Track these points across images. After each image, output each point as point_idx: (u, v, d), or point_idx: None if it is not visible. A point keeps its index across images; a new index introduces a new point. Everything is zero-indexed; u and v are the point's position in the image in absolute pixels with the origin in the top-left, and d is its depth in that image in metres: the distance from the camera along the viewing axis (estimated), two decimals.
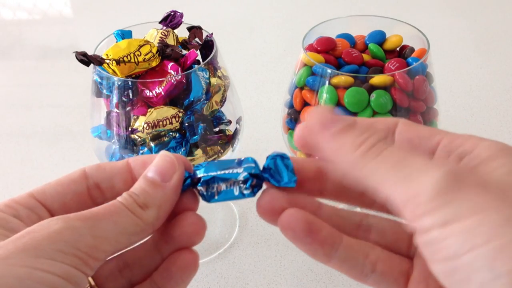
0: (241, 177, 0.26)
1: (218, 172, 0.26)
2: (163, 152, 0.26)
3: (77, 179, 0.26)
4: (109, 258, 0.26)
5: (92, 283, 0.27)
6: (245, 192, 0.26)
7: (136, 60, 0.39)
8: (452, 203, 0.19)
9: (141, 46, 0.40)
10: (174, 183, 0.25)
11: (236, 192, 0.26)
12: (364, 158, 0.23)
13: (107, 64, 0.40)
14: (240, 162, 0.27)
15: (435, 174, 0.20)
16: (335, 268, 0.26)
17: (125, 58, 0.39)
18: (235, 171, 0.26)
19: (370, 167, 0.22)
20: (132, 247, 0.27)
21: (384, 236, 0.27)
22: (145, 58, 0.40)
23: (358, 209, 0.27)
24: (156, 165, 0.26)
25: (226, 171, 0.26)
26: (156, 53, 0.40)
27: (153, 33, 0.44)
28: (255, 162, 0.27)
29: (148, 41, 0.41)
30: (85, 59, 0.40)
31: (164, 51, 0.41)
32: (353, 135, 0.23)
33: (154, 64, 0.41)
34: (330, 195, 0.27)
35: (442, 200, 0.20)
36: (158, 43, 0.43)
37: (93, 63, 0.40)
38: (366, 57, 0.44)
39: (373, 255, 0.26)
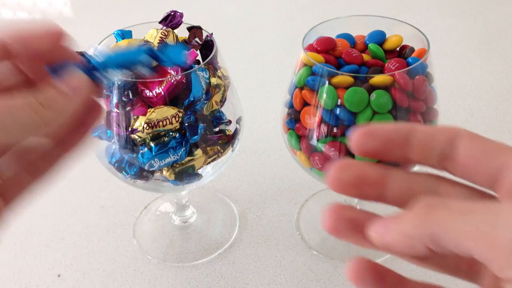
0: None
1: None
2: (77, 71, 0.27)
3: None
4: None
5: None
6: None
7: None
8: None
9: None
10: (82, 99, 0.27)
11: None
12: (428, 215, 0.21)
13: None
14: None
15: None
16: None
17: None
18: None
19: (437, 221, 0.20)
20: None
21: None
22: None
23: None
24: (69, 80, 0.27)
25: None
26: None
27: (153, 33, 0.44)
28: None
29: (148, 41, 0.41)
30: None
31: None
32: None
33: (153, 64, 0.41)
34: (391, 202, 0.26)
35: None
36: (158, 43, 0.43)
37: None
38: (366, 57, 0.44)
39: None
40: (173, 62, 0.30)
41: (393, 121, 0.40)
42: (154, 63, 0.29)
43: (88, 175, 0.63)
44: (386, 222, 0.24)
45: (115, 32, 0.44)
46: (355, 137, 0.25)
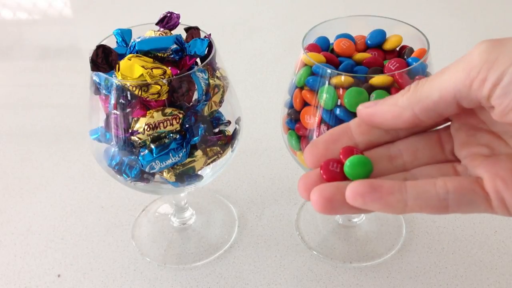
0: None
1: None
2: None
3: None
4: None
5: None
6: None
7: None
8: (500, 57, 0.24)
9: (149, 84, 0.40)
10: None
11: None
12: (411, 96, 0.27)
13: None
14: None
15: (476, 51, 0.25)
16: (415, 209, 0.26)
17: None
18: None
19: (418, 94, 0.26)
20: None
21: (416, 152, 0.29)
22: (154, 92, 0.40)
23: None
24: None
25: None
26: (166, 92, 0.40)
27: (150, 35, 0.44)
28: None
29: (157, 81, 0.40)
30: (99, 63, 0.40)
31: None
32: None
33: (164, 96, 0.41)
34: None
35: (492, 59, 0.24)
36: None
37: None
38: (366, 55, 0.44)
39: (439, 180, 0.26)
40: (195, 51, 0.41)
41: None
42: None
43: (88, 175, 0.63)
44: (373, 101, 0.29)
45: (115, 32, 0.44)
46: (306, 156, 0.30)
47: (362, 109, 0.29)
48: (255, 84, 0.79)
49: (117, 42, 0.44)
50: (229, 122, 0.46)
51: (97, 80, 0.42)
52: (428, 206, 0.26)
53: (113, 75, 0.41)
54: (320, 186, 0.27)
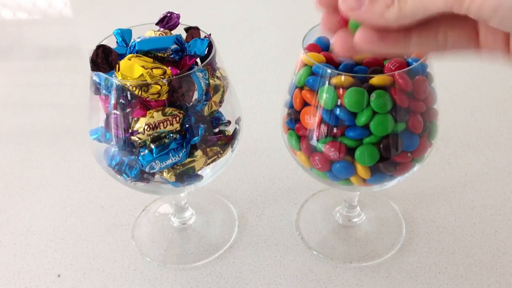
0: None
1: None
2: None
3: None
4: None
5: None
6: None
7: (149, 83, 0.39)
8: None
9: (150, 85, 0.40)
10: None
11: None
12: (397, 12, 0.26)
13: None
14: None
15: None
16: (415, 45, 0.28)
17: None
18: None
19: (403, 11, 0.26)
20: None
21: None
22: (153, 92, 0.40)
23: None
24: None
25: None
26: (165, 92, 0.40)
27: (150, 35, 0.44)
28: None
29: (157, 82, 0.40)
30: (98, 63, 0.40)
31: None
32: None
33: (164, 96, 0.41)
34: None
35: None
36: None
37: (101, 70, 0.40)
38: (365, 55, 0.44)
39: (441, 27, 0.28)
40: (195, 51, 0.42)
41: (393, 121, 0.40)
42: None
43: (88, 175, 0.63)
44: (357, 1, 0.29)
45: (115, 32, 0.44)
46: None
47: (344, 7, 0.30)
48: (255, 84, 0.79)
49: (117, 42, 0.44)
50: (229, 122, 0.46)
51: (97, 80, 0.42)
52: (427, 48, 0.28)
53: (113, 75, 0.41)
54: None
